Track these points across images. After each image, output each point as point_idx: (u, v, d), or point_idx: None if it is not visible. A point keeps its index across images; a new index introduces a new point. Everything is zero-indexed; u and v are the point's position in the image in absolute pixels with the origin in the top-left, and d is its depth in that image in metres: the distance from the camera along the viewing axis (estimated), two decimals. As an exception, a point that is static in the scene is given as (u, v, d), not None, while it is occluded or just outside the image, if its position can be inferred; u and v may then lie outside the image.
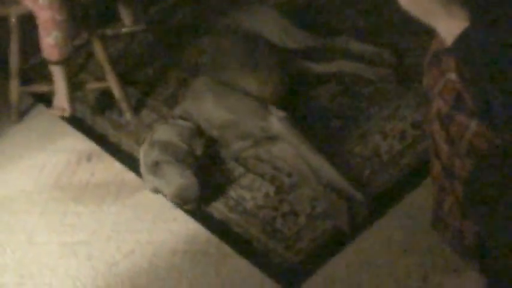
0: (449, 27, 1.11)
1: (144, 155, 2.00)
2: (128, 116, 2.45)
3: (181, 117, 2.12)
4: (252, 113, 2.06)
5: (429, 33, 1.26)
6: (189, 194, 1.90)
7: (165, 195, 1.99)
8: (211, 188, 1.99)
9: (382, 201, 1.87)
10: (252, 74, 2.19)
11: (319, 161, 1.95)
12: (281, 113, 2.05)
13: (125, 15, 2.94)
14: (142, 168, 2.02)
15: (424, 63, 1.39)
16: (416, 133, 2.10)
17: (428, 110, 1.38)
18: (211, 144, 2.10)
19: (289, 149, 2.04)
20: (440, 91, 1.30)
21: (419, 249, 1.71)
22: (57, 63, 2.26)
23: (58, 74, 2.31)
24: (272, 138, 2.07)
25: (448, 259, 1.64)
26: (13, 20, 2.36)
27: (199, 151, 2.04)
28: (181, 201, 1.92)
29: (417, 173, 1.94)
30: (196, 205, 1.94)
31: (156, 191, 2.00)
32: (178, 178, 1.91)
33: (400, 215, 1.83)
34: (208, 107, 2.10)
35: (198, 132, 2.08)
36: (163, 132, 2.05)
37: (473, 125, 1.21)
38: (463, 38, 1.09)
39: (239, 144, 2.10)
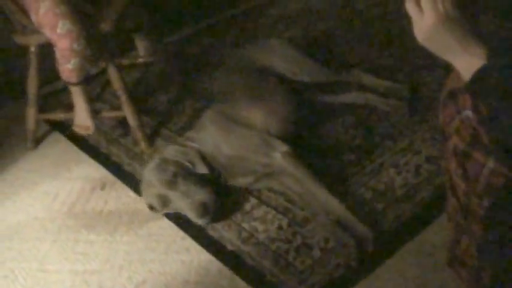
0: (467, 64, 1.12)
1: (158, 170, 2.03)
2: (142, 145, 2.47)
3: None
4: (255, 149, 2.07)
5: (445, 68, 1.27)
6: (208, 204, 1.94)
7: (173, 211, 2.03)
8: (221, 212, 2.02)
9: (396, 237, 1.85)
10: (258, 107, 2.20)
11: (324, 196, 1.95)
12: (285, 148, 2.06)
13: (141, 45, 2.99)
14: (149, 186, 2.04)
15: (440, 99, 1.39)
16: (431, 168, 2.09)
17: (444, 147, 1.37)
18: (218, 174, 2.11)
19: (295, 183, 2.03)
20: (456, 128, 1.29)
21: (434, 287, 1.68)
22: (76, 84, 2.34)
23: (78, 94, 2.38)
24: (278, 173, 2.07)
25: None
26: (32, 49, 2.40)
27: (201, 170, 2.07)
28: (199, 214, 1.94)
29: (432, 209, 1.92)
30: (210, 220, 1.96)
31: (165, 206, 2.02)
32: (198, 189, 1.97)
33: (415, 252, 1.81)
34: (212, 141, 2.12)
35: (200, 153, 2.10)
36: (171, 151, 2.11)
37: (491, 163, 1.20)
38: (480, 75, 1.09)
39: (243, 179, 2.11)
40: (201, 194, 1.97)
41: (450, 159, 1.32)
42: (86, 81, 2.37)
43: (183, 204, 1.97)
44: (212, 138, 2.12)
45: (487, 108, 1.17)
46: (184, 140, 2.19)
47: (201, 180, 2.02)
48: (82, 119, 2.43)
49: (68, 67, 2.25)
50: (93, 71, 2.86)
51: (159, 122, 2.63)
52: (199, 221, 1.96)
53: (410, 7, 1.15)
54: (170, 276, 1.86)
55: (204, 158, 2.09)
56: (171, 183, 1.99)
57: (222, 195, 2.07)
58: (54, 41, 2.21)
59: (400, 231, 1.87)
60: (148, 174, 2.06)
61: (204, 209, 1.93)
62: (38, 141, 2.63)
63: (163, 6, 3.34)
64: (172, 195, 1.99)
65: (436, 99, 2.31)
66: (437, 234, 1.84)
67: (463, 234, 1.36)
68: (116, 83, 2.43)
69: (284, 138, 2.11)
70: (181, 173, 2.01)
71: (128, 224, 2.10)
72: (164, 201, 2.01)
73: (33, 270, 1.97)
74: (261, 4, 3.59)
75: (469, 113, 1.25)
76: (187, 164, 2.06)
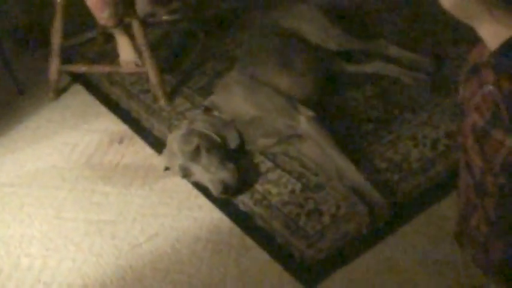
0: (494, 33, 1.09)
1: (181, 141, 2.00)
2: (162, 102, 2.48)
3: (209, 109, 2.14)
4: (281, 110, 2.06)
5: (469, 43, 1.25)
6: (229, 183, 1.93)
7: (195, 182, 2.03)
8: (241, 188, 2.00)
9: (408, 208, 1.86)
10: (284, 72, 2.19)
11: (344, 163, 1.95)
12: (310, 113, 2.05)
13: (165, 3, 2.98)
14: (172, 154, 2.03)
15: (462, 73, 1.37)
16: (448, 143, 2.08)
17: (462, 123, 1.36)
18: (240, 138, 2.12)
19: (316, 148, 2.04)
20: (476, 104, 1.28)
21: (442, 260, 1.69)
22: (114, 27, 2.46)
23: (119, 33, 2.55)
24: (300, 137, 2.07)
25: (470, 274, 1.62)
26: (59, 0, 2.41)
27: (233, 144, 2.07)
28: (218, 192, 1.92)
29: (446, 183, 1.92)
30: (231, 195, 1.95)
31: (186, 176, 2.02)
32: (220, 167, 1.95)
33: (425, 224, 1.82)
34: (236, 101, 2.11)
35: (233, 124, 2.09)
36: (201, 123, 2.08)
37: (510, 141, 1.19)
38: (507, 46, 1.07)
39: (265, 140, 2.11)
40: (223, 173, 1.94)
41: (468, 136, 1.31)
42: (122, 22, 2.44)
43: (204, 178, 1.97)
44: (237, 98, 2.10)
45: (510, 82, 1.15)
46: (208, 104, 2.16)
47: (225, 158, 1.99)
48: (127, 55, 2.58)
49: (103, 16, 2.32)
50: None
51: (180, 81, 2.64)
52: (220, 196, 1.95)
53: None
54: (182, 231, 1.90)
55: (235, 127, 2.07)
56: (194, 156, 1.97)
57: (243, 167, 2.06)
58: None
59: (412, 203, 1.88)
60: (173, 142, 2.04)
61: (224, 188, 1.91)
62: (59, 92, 2.66)
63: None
64: (194, 167, 1.98)
65: (458, 75, 2.29)
66: (449, 208, 1.84)
67: (474, 211, 1.36)
68: (140, 39, 2.43)
69: (307, 105, 2.11)
70: (206, 146, 1.97)
71: (143, 178, 2.13)
72: (185, 171, 2.01)
73: (49, 217, 2.01)
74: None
75: (491, 88, 1.24)
76: (215, 137, 2.04)
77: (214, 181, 1.93)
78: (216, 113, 2.12)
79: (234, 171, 1.96)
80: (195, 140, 1.98)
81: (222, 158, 1.98)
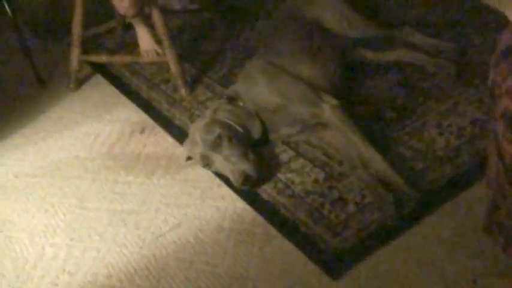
0: None
1: (204, 130, 1.99)
2: (182, 91, 2.48)
3: (232, 98, 2.12)
4: (305, 98, 2.04)
5: (495, 30, 1.21)
6: (250, 174, 1.91)
7: (217, 172, 2.02)
8: (262, 179, 1.98)
9: (434, 198, 1.83)
10: (307, 60, 2.17)
11: (369, 151, 1.92)
12: (334, 101, 2.03)
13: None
14: (194, 143, 2.02)
15: (491, 59, 1.33)
16: (474, 131, 2.04)
17: (493, 109, 1.33)
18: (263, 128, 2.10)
19: (340, 136, 2.01)
20: (508, 89, 1.25)
21: (469, 250, 1.67)
22: (134, 16, 2.47)
23: (139, 23, 2.57)
24: (323, 125, 2.05)
25: (499, 263, 1.60)
26: (79, -11, 2.41)
27: (256, 134, 2.05)
28: (239, 183, 1.91)
29: (472, 172, 1.89)
30: (252, 186, 1.94)
31: (207, 165, 2.01)
32: (242, 158, 1.93)
33: (451, 214, 1.79)
34: (259, 90, 2.09)
35: (256, 115, 2.08)
36: (224, 113, 2.07)
37: (542, 127, 1.17)
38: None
39: (288, 129, 2.09)
40: (244, 163, 1.92)
41: (498, 122, 1.28)
42: (142, 11, 2.46)
43: (225, 168, 1.96)
44: (260, 86, 2.08)
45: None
46: (231, 93, 2.15)
47: (247, 149, 1.98)
48: (147, 44, 2.58)
49: (123, 5, 2.33)
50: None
51: (200, 70, 2.63)
52: (241, 187, 1.94)
53: None
54: (205, 221, 1.89)
55: (258, 117, 2.05)
56: (215, 145, 1.96)
57: (265, 158, 2.05)
58: None
59: (438, 192, 1.85)
60: (195, 131, 2.04)
61: (244, 179, 1.90)
62: (80, 83, 2.66)
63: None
64: (215, 157, 1.97)
65: (484, 63, 2.24)
66: (475, 198, 1.81)
67: (505, 200, 1.33)
68: (160, 28, 2.42)
69: (330, 93, 2.08)
70: (227, 136, 1.96)
71: (166, 168, 2.13)
72: (206, 161, 2.00)
73: (73, 207, 2.02)
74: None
75: (523, 72, 1.21)
76: (238, 127, 2.03)
77: (235, 171, 1.92)
78: (240, 102, 2.11)
79: (255, 163, 1.95)
80: (217, 130, 1.97)
81: (244, 149, 1.97)
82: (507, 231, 1.35)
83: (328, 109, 2.01)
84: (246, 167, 1.93)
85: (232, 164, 1.93)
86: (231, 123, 2.03)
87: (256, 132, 2.05)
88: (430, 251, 1.69)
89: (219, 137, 1.96)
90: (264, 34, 2.45)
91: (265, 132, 2.10)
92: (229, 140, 1.97)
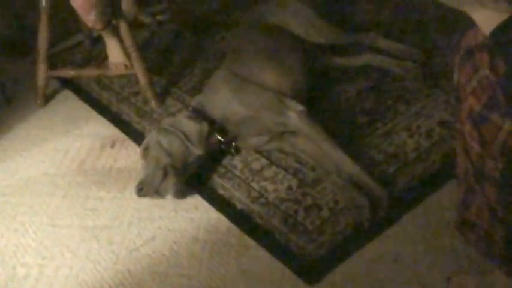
0: (488, 17, 1.08)
1: (144, 145, 2.04)
2: (153, 103, 2.46)
3: (196, 110, 2.10)
4: (269, 107, 2.03)
5: (458, 32, 1.23)
6: (148, 190, 1.91)
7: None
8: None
9: (406, 199, 1.85)
10: (272, 67, 2.16)
11: (340, 156, 1.93)
12: (299, 107, 2.02)
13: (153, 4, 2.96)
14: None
15: (455, 59, 1.35)
16: (443, 132, 2.07)
17: (459, 109, 1.35)
18: (228, 138, 2.08)
19: (311, 143, 2.02)
20: (473, 89, 1.27)
21: (443, 249, 1.69)
22: (102, 29, 2.40)
23: (108, 35, 2.48)
24: (292, 133, 2.05)
25: (472, 261, 1.62)
26: (43, 4, 2.37)
27: (198, 151, 1.99)
28: (136, 189, 1.92)
29: (442, 173, 1.92)
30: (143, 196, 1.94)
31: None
32: (158, 171, 1.92)
33: (424, 214, 1.81)
34: (224, 102, 2.06)
35: (209, 130, 2.03)
36: (179, 123, 2.05)
37: (507, 125, 1.18)
38: (501, 30, 1.06)
39: (257, 139, 2.09)
40: (158, 177, 1.91)
41: (465, 122, 1.29)
42: (111, 24, 2.41)
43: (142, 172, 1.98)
44: (224, 98, 2.07)
45: (506, 65, 1.14)
46: (195, 105, 2.13)
47: (168, 168, 1.94)
48: (116, 57, 2.52)
49: (90, 18, 2.30)
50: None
51: (170, 81, 2.61)
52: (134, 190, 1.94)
53: None
54: (179, 233, 1.87)
55: (208, 137, 2.03)
56: (143, 154, 2.01)
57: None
58: None
59: (410, 194, 1.87)
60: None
61: (144, 189, 1.91)
62: (47, 99, 2.62)
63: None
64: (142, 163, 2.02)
65: (448, 64, 2.28)
66: (446, 197, 1.83)
67: (475, 198, 1.34)
68: (127, 40, 2.40)
69: (296, 100, 2.08)
70: (155, 156, 1.96)
71: (137, 181, 2.10)
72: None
73: (44, 225, 1.98)
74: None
75: (486, 71, 1.23)
76: (181, 139, 1.99)
77: (145, 178, 1.93)
78: (206, 113, 2.08)
79: (171, 183, 1.92)
80: (155, 138, 2.01)
81: (167, 166, 1.94)
82: (478, 228, 1.37)
83: (294, 116, 2.00)
84: (157, 179, 1.91)
85: (148, 169, 1.95)
86: (177, 133, 1.99)
87: (195, 148, 1.99)
88: (405, 251, 1.70)
89: (147, 149, 2.00)
90: (231, 43, 2.45)
91: (233, 141, 2.09)
92: (157, 150, 1.97)
